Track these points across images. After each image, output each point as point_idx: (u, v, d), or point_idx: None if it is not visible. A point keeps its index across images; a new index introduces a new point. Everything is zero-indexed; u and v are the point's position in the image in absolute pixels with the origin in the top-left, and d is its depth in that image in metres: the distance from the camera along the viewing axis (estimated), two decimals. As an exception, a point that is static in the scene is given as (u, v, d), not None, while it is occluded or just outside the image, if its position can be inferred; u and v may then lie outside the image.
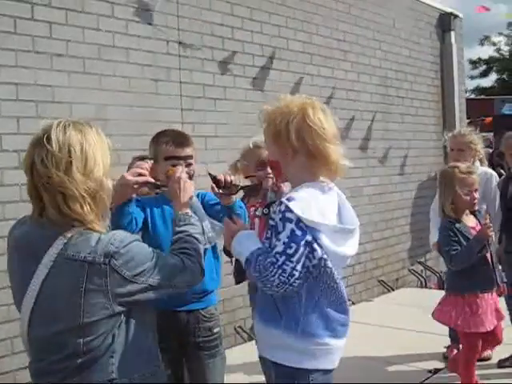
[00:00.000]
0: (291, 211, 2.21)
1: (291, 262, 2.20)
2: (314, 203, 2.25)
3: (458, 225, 3.97)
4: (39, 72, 4.59)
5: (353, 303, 6.93)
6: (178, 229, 2.33)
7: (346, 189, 7.51)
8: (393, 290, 7.92)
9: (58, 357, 2.03)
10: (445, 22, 9.53)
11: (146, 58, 5.31)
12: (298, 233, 2.22)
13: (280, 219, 2.24)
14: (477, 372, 4.12)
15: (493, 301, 4.06)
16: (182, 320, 3.13)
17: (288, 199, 2.25)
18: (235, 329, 5.95)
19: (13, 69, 4.45)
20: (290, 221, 2.22)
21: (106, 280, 1.96)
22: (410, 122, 8.73)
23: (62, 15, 4.73)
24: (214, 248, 3.28)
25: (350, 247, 2.38)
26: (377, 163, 8.03)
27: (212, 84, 5.87)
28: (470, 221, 4.07)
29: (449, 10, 9.65)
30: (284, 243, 2.21)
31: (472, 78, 39.54)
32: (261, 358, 2.55)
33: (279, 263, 2.20)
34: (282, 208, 2.24)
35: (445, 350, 4.97)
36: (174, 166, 3.04)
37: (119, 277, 1.99)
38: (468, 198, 3.99)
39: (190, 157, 3.22)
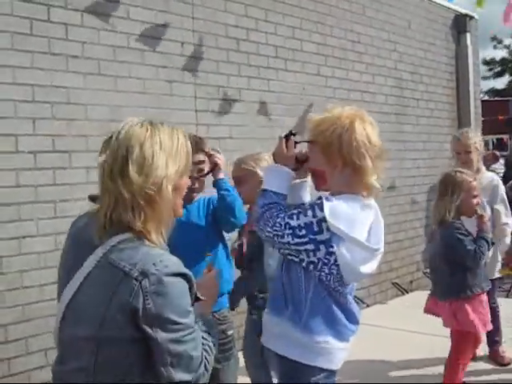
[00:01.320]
0: (322, 210, 2.25)
1: (293, 238, 2.27)
2: (347, 213, 2.28)
3: (464, 225, 4.06)
4: (55, 73, 4.61)
5: (367, 305, 6.92)
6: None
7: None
8: (407, 292, 7.89)
9: (74, 366, 1.84)
10: (460, 24, 9.48)
11: (161, 60, 5.32)
12: (315, 228, 2.26)
13: (310, 206, 2.31)
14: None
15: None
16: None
17: (327, 198, 2.31)
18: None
19: (29, 70, 4.47)
20: (315, 216, 2.26)
21: (132, 298, 1.75)
22: (425, 123, 8.69)
23: (78, 17, 4.75)
24: (225, 249, 3.29)
25: (367, 266, 2.36)
26: (391, 165, 8.00)
27: (226, 85, 5.88)
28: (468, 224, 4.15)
29: (464, 11, 9.59)
30: (299, 225, 2.27)
31: (484, 78, 39.32)
32: (263, 347, 2.56)
33: (283, 231, 2.27)
34: (318, 202, 2.30)
35: None
36: None
37: (142, 303, 1.75)
38: (475, 201, 4.04)
39: (202, 162, 3.25)
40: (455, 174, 4.10)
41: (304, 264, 2.32)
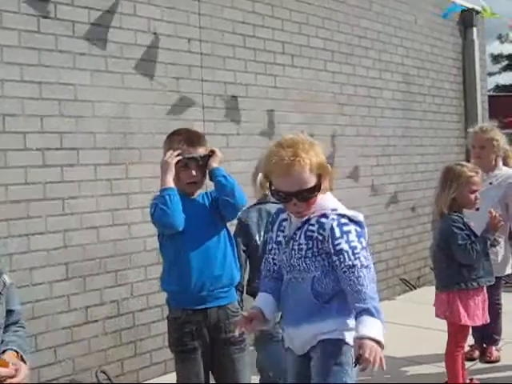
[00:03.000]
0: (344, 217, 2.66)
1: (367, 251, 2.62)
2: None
3: (465, 219, 4.06)
4: (62, 71, 4.61)
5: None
6: None
7: (368, 187, 7.52)
8: (415, 288, 7.88)
9: None
10: (467, 18, 9.43)
11: (169, 56, 5.31)
12: (359, 229, 2.65)
13: (340, 227, 2.62)
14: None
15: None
16: (213, 317, 3.21)
17: (332, 210, 2.68)
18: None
19: (36, 68, 4.48)
20: (348, 224, 2.62)
21: None
22: (432, 119, 8.66)
23: (85, 14, 4.75)
24: (230, 240, 3.34)
25: None
26: (398, 161, 7.98)
27: (233, 82, 5.87)
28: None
29: (470, 5, 9.55)
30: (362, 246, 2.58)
31: (490, 74, 39.13)
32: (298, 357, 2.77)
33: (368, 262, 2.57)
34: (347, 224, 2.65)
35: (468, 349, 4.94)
36: (186, 165, 3.19)
37: None
38: (473, 196, 4.04)
39: (203, 156, 3.31)
40: (456, 166, 4.13)
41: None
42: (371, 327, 2.40)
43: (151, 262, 5.10)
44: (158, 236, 3.41)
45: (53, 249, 4.54)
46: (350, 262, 2.50)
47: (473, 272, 4.01)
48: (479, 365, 4.91)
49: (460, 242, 3.94)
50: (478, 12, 9.57)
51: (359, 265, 2.50)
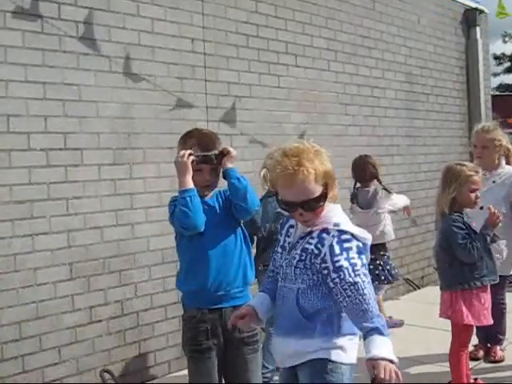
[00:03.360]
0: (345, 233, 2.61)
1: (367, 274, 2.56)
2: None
3: (465, 218, 4.07)
4: (66, 71, 4.62)
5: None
6: None
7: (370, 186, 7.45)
8: (418, 288, 7.88)
9: None
10: (470, 18, 9.43)
11: (172, 57, 5.32)
12: (361, 245, 2.62)
13: (340, 243, 2.57)
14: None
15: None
16: (228, 317, 3.21)
17: (335, 224, 2.63)
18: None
19: (40, 68, 4.48)
20: (350, 241, 2.57)
21: None
22: (435, 118, 8.66)
23: (89, 15, 4.75)
24: (245, 240, 3.36)
25: None
26: (402, 160, 7.99)
27: (237, 82, 5.88)
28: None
29: (474, 5, 9.55)
30: (362, 264, 2.54)
31: (495, 75, 39.11)
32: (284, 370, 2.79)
33: (366, 287, 2.50)
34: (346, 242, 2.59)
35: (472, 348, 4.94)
36: (199, 170, 3.19)
37: None
38: (473, 195, 4.05)
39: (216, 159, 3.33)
40: (455, 166, 4.14)
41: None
42: (382, 347, 2.38)
43: (155, 262, 5.10)
44: (176, 236, 3.42)
45: (57, 249, 4.54)
46: (351, 280, 2.45)
47: (475, 271, 4.01)
48: (483, 364, 4.91)
49: (460, 241, 3.95)
50: (481, 11, 9.57)
51: (361, 282, 2.46)
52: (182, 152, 3.23)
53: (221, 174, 3.38)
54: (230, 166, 3.30)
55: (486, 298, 4.06)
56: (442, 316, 4.16)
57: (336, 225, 2.56)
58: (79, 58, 4.69)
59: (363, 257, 2.52)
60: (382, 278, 5.59)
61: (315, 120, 6.68)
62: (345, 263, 2.48)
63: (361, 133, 7.32)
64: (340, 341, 2.57)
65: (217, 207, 3.35)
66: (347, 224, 2.60)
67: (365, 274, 2.49)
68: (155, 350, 5.14)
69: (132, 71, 5.02)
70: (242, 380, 3.32)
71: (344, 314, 2.55)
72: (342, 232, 2.55)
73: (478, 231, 4.04)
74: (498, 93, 32.98)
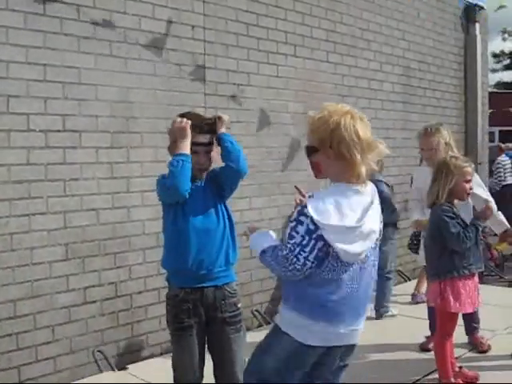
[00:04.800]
0: (306, 207, 2.56)
1: (304, 251, 2.56)
2: (330, 202, 2.56)
3: (455, 209, 4.17)
4: (66, 54, 4.66)
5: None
6: None
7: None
8: (409, 279, 7.95)
9: None
10: (469, 14, 9.46)
11: (172, 43, 5.36)
12: (312, 227, 2.55)
13: (296, 218, 2.60)
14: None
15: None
16: (210, 296, 3.28)
17: (309, 196, 2.62)
18: (252, 312, 6.03)
19: (41, 50, 4.52)
20: (306, 216, 2.55)
21: None
22: (432, 113, 8.70)
23: (90, -2, 4.79)
24: (230, 220, 3.41)
25: (359, 246, 2.60)
26: (397, 153, 8.03)
27: (236, 70, 5.92)
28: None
29: (474, 1, 9.58)
30: (302, 236, 2.55)
31: (493, 71, 39.09)
32: None
33: (295, 253, 2.55)
34: (299, 209, 2.61)
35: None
36: (194, 152, 3.24)
37: None
38: (468, 185, 4.19)
39: (210, 143, 3.38)
40: (449, 159, 4.26)
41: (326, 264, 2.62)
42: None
43: (150, 245, 5.16)
44: (163, 217, 3.46)
45: (53, 229, 4.60)
46: (285, 249, 2.60)
47: (464, 260, 4.11)
48: (470, 354, 4.99)
49: (452, 229, 4.04)
50: (481, 8, 9.60)
51: (285, 252, 2.58)
52: (179, 119, 3.29)
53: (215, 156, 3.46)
54: (223, 130, 3.40)
55: (471, 286, 4.15)
56: (431, 305, 4.24)
57: (310, 196, 2.64)
58: (80, 41, 4.73)
59: (308, 238, 2.56)
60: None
61: (313, 110, 6.71)
62: (288, 230, 2.62)
63: (357, 124, 7.35)
64: (299, 320, 2.69)
65: (203, 185, 3.40)
66: (320, 201, 2.60)
67: (292, 251, 2.57)
68: (147, 332, 5.21)
69: (132, 56, 5.06)
70: (226, 359, 3.37)
71: (297, 289, 2.68)
72: (310, 201, 2.60)
73: (466, 222, 4.14)
74: (495, 90, 33.00)
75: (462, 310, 4.17)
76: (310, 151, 2.71)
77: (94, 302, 4.86)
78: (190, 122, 3.27)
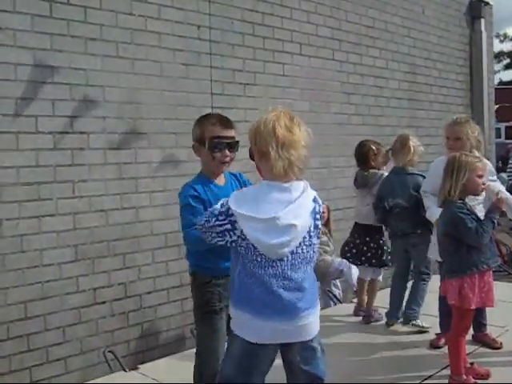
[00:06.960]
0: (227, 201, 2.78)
1: (216, 221, 2.75)
2: (250, 196, 2.74)
3: (468, 205, 4.14)
4: (74, 55, 4.67)
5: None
6: None
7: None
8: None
9: None
10: (475, 9, 9.44)
11: (178, 43, 5.37)
12: (230, 212, 2.72)
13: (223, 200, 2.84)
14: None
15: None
16: None
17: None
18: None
19: (48, 52, 4.54)
20: (227, 202, 2.76)
21: None
22: (438, 109, 8.70)
23: (96, 0, 4.80)
24: None
25: (274, 238, 2.68)
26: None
27: (242, 69, 5.93)
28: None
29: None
30: (219, 211, 2.75)
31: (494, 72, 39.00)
32: None
33: (209, 218, 2.78)
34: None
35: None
36: (217, 146, 3.26)
37: None
38: (481, 181, 4.15)
39: (234, 138, 3.49)
40: (460, 155, 4.22)
41: (229, 244, 2.76)
42: None
43: (158, 245, 5.18)
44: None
45: (62, 231, 4.62)
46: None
47: (482, 255, 4.08)
48: (482, 349, 4.97)
49: (469, 225, 4.01)
50: (486, 3, 9.58)
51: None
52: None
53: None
54: None
55: (487, 281, 4.13)
56: (451, 302, 4.19)
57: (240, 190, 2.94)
58: (87, 43, 4.74)
59: (223, 216, 2.73)
60: (373, 261, 5.63)
61: (318, 108, 6.73)
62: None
63: (363, 122, 7.37)
64: (233, 311, 2.81)
65: (227, 186, 3.46)
66: (241, 194, 2.81)
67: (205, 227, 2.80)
68: (157, 332, 5.23)
69: (138, 57, 5.08)
70: None
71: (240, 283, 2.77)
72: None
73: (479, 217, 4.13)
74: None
75: (480, 305, 4.15)
76: (250, 154, 2.86)
77: (104, 302, 4.88)
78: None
